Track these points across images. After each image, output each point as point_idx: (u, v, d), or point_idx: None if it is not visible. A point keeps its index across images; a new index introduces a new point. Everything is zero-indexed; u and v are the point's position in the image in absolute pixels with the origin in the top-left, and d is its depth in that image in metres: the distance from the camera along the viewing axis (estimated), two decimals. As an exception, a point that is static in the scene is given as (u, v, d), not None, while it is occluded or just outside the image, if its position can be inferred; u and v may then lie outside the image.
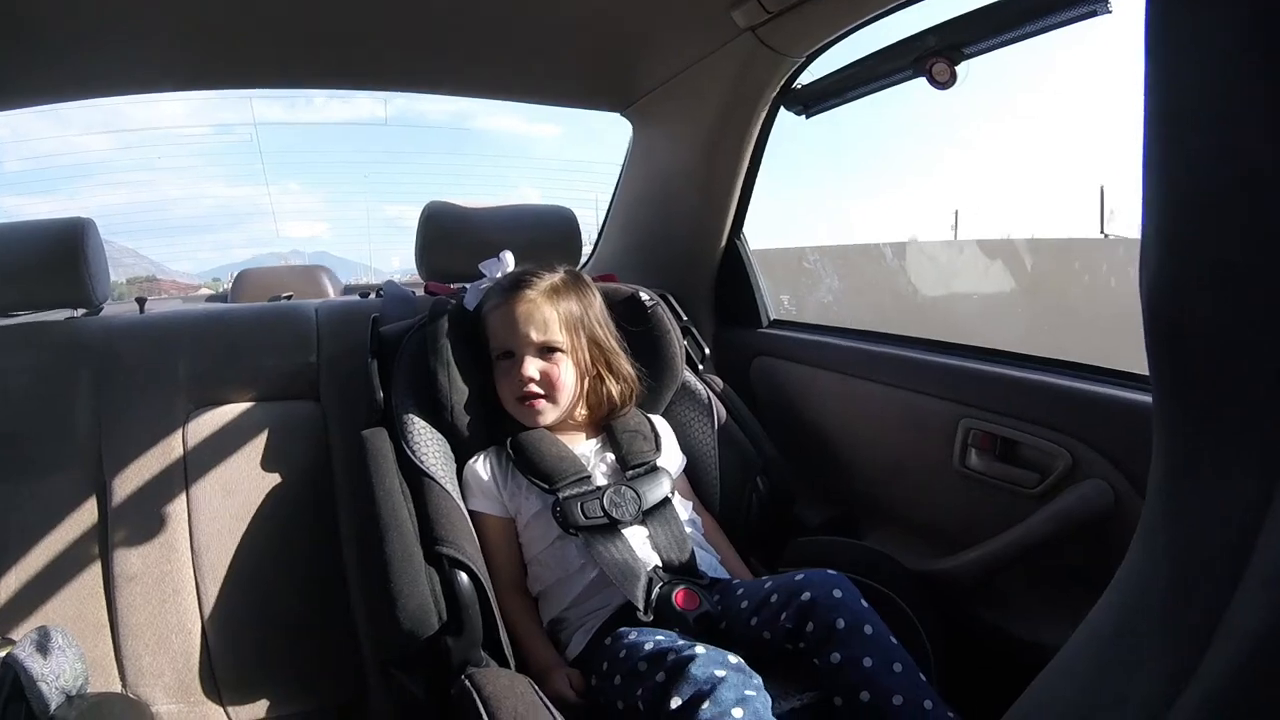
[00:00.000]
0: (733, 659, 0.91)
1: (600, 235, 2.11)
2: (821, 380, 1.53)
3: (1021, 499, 1.15)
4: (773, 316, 1.79)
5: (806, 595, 0.99)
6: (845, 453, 1.49)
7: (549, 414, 1.25)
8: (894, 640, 0.97)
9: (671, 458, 1.32)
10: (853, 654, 0.94)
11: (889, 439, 1.39)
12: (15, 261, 1.46)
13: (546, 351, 1.25)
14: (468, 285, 1.48)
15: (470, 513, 1.19)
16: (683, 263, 1.82)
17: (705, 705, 0.85)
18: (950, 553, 1.22)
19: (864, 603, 1.00)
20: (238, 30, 1.41)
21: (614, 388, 1.29)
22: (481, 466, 1.24)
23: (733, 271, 1.79)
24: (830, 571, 1.03)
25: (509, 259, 1.37)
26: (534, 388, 1.23)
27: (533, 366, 1.23)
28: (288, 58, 1.57)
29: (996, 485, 1.19)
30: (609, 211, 2.07)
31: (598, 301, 1.33)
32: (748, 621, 1.05)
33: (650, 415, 1.35)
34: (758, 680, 0.90)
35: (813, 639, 0.97)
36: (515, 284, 1.28)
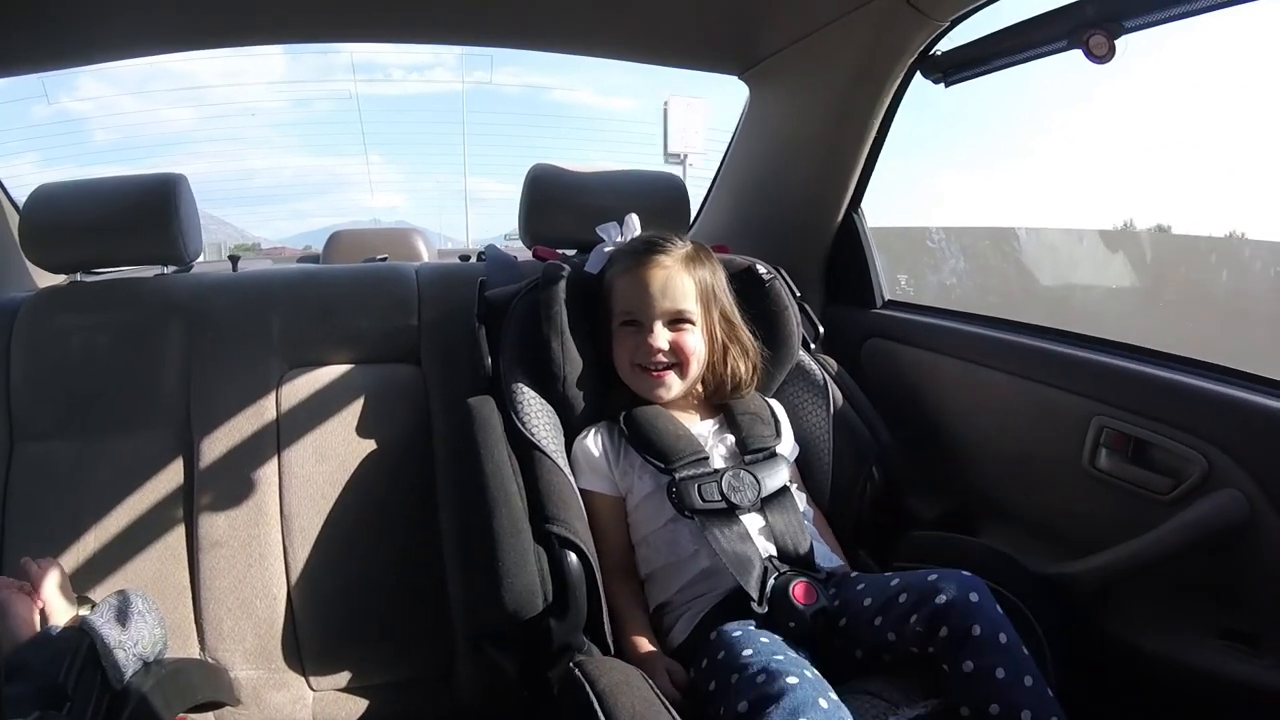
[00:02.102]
0: (824, 703, 0.89)
1: (704, 204, 2.13)
2: (940, 366, 1.54)
3: (1151, 505, 1.15)
4: (887, 297, 1.80)
5: (942, 598, 0.99)
6: (963, 444, 1.49)
7: (674, 387, 1.27)
8: (1025, 651, 0.97)
9: (787, 444, 1.33)
10: (986, 663, 0.95)
11: (1012, 432, 1.39)
12: (105, 216, 1.52)
13: (678, 322, 1.26)
14: (570, 252, 1.54)
15: (581, 490, 1.20)
16: (794, 236, 1.83)
17: None
18: (1071, 556, 1.23)
19: (999, 609, 1.00)
20: None
21: (740, 365, 1.30)
22: (593, 442, 1.26)
23: (847, 247, 1.81)
24: (965, 573, 1.03)
25: (635, 223, 1.38)
26: (663, 357, 1.24)
27: (662, 337, 1.24)
28: (383, 10, 1.61)
29: (1125, 488, 1.19)
30: (715, 180, 2.10)
31: (723, 275, 1.34)
32: (871, 621, 1.05)
33: (768, 399, 1.36)
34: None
35: (946, 645, 0.97)
36: (648, 248, 1.29)
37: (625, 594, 1.18)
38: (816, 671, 0.95)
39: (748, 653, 0.96)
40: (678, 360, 1.26)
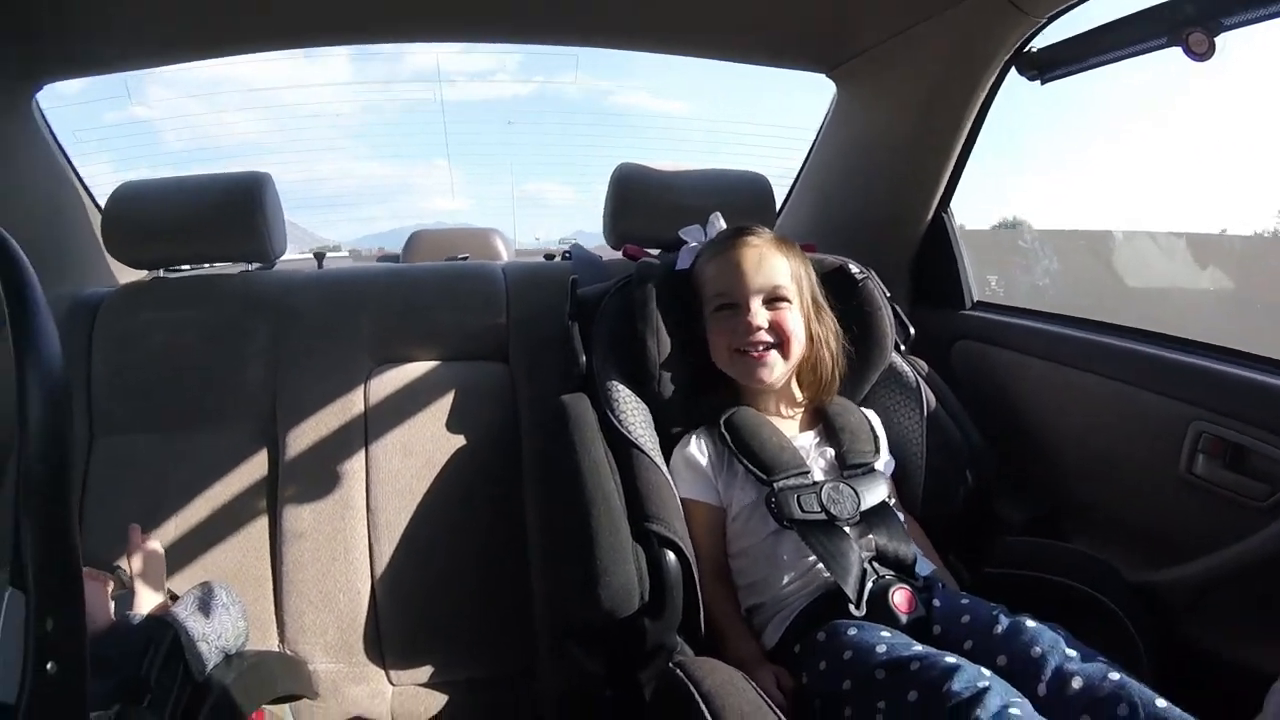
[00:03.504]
0: (987, 672, 0.89)
1: (785, 203, 2.17)
2: (1031, 368, 1.55)
3: (1248, 512, 1.15)
4: (976, 298, 1.82)
5: (1037, 650, 0.97)
6: (1054, 448, 1.50)
7: (777, 368, 1.27)
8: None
9: (884, 460, 1.34)
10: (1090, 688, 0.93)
11: (1105, 436, 1.40)
12: (191, 214, 1.59)
13: (775, 300, 1.27)
14: (654, 251, 1.56)
15: (681, 499, 1.21)
16: (880, 236, 1.86)
17: (977, 711, 0.84)
18: (1165, 563, 1.24)
19: (1086, 649, 0.99)
20: None
21: (826, 360, 1.31)
22: (696, 449, 1.28)
23: (936, 248, 1.84)
24: (1052, 628, 1.01)
25: (719, 221, 1.43)
26: (764, 335, 1.25)
27: (761, 314, 1.26)
28: (473, 8, 1.68)
29: (1221, 495, 1.19)
30: (797, 178, 2.14)
31: (811, 268, 1.36)
32: (961, 643, 1.04)
33: (865, 410, 1.38)
34: (1024, 701, 0.87)
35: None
36: (737, 233, 1.32)
37: (723, 597, 1.20)
38: None
39: (881, 649, 0.98)
40: (779, 340, 1.27)
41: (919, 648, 0.97)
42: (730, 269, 1.29)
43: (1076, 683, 0.93)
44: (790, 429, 1.31)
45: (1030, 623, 1.02)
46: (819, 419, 1.34)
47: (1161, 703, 0.89)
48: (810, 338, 1.31)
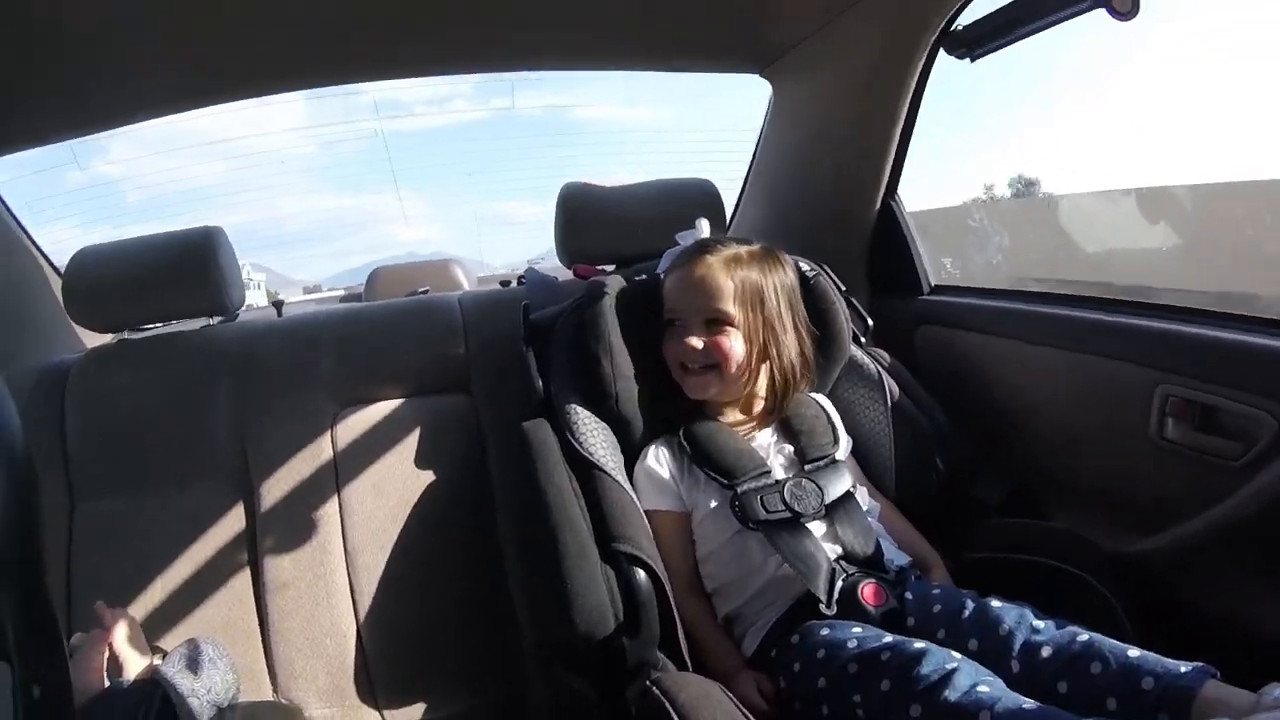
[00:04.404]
0: (957, 654, 0.91)
1: (737, 206, 2.16)
2: (994, 348, 1.54)
3: (1224, 472, 1.14)
4: (934, 282, 1.80)
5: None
6: (1025, 425, 1.49)
7: (711, 388, 1.28)
8: (1088, 634, 0.96)
9: (844, 448, 1.34)
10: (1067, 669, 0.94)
11: (1075, 409, 1.39)
12: (147, 274, 1.58)
13: (714, 323, 1.26)
14: (609, 268, 1.56)
15: (646, 511, 1.22)
16: (831, 229, 1.85)
17: (946, 692, 0.86)
18: (1144, 530, 1.23)
19: (1061, 622, 0.99)
20: (348, 21, 1.49)
21: (788, 367, 1.30)
22: (655, 460, 1.28)
23: (889, 235, 1.82)
24: (1026, 609, 1.03)
25: (704, 226, 1.40)
26: (700, 357, 1.26)
27: (697, 337, 1.26)
28: (400, 42, 1.65)
29: (1195, 457, 1.18)
30: (746, 180, 2.13)
31: (789, 278, 1.33)
32: (935, 633, 1.06)
33: (818, 398, 1.38)
34: (995, 679, 0.89)
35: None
36: (699, 249, 1.31)
37: (700, 610, 1.20)
38: None
39: (852, 643, 0.99)
40: (717, 360, 1.26)
41: (889, 638, 0.98)
42: (678, 287, 1.30)
43: (1046, 651, 0.96)
44: (748, 430, 1.31)
45: (996, 603, 1.04)
46: (776, 415, 1.34)
47: (1135, 652, 0.92)
48: (766, 355, 1.29)
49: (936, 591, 1.12)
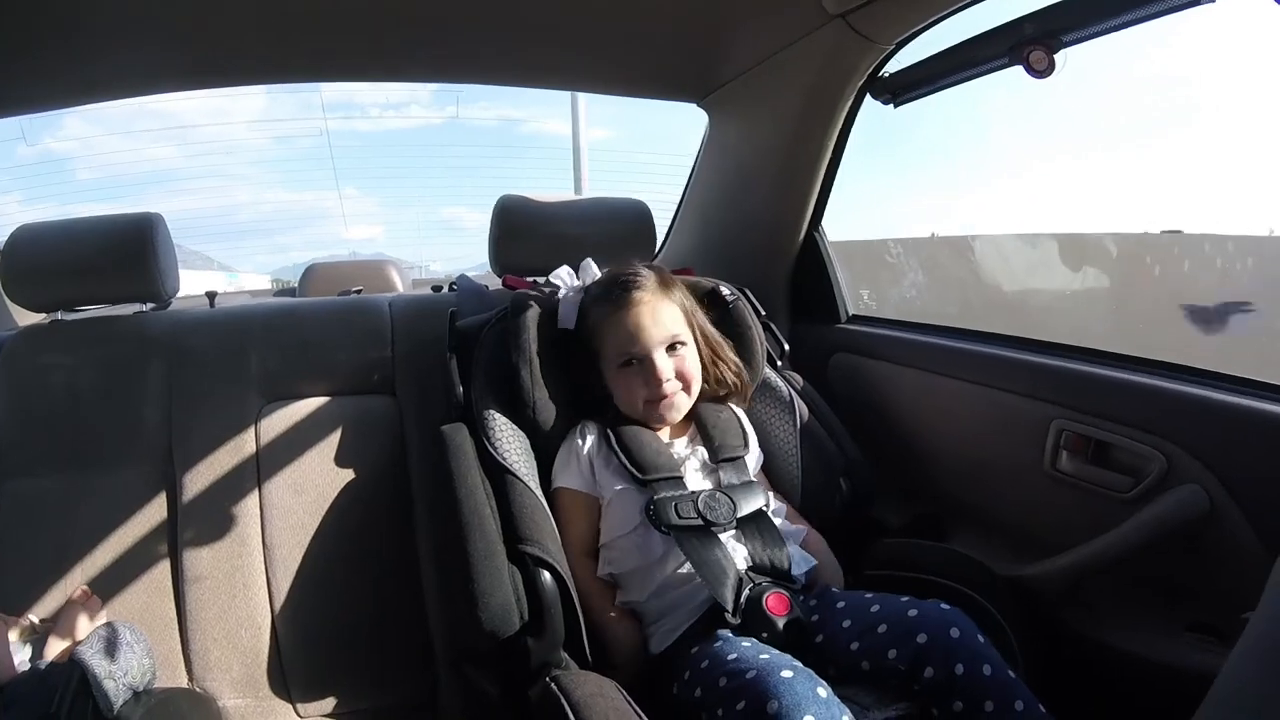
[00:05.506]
0: (822, 692, 0.92)
1: (671, 229, 2.17)
2: (904, 377, 1.58)
3: (1113, 504, 1.19)
4: (851, 312, 1.84)
5: (923, 637, 1.02)
6: (929, 453, 1.53)
7: (684, 407, 1.31)
8: (1011, 674, 1.00)
9: (754, 452, 1.36)
10: (975, 701, 0.97)
11: (975, 439, 1.43)
12: (85, 256, 1.55)
13: (674, 347, 1.29)
14: (540, 280, 1.54)
15: (557, 489, 1.26)
16: (758, 256, 1.88)
17: None
18: (1038, 557, 1.27)
19: (980, 638, 1.03)
20: (311, 23, 1.49)
21: (729, 375, 1.35)
22: (580, 437, 1.30)
23: (811, 265, 1.86)
24: (944, 606, 1.07)
25: (593, 268, 1.41)
26: (673, 386, 1.28)
27: (668, 366, 1.27)
28: (353, 50, 1.66)
29: (1088, 489, 1.23)
30: (680, 205, 2.14)
31: (689, 294, 1.38)
32: (848, 646, 1.09)
33: (734, 407, 1.39)
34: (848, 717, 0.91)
35: (932, 685, 1.00)
36: (622, 288, 1.31)
37: (591, 587, 1.21)
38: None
39: (733, 656, 1.00)
40: (684, 383, 1.30)
41: (767, 656, 0.99)
42: (628, 328, 1.29)
43: (913, 612, 1.06)
44: (666, 435, 1.33)
45: (911, 611, 1.08)
46: (691, 422, 1.36)
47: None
48: (711, 363, 1.35)
49: (842, 605, 1.15)
